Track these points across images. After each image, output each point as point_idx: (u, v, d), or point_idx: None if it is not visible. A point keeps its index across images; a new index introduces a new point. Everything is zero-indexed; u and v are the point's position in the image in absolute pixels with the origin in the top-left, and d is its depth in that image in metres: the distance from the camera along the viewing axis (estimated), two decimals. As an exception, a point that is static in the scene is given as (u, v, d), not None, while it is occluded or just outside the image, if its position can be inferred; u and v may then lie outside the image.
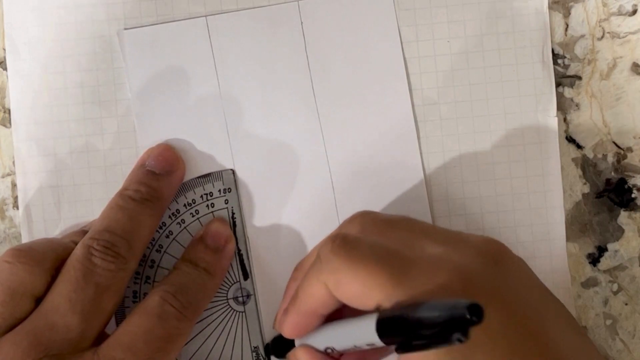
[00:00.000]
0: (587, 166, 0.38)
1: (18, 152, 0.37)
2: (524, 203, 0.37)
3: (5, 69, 0.37)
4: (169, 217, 0.36)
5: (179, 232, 0.36)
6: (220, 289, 0.36)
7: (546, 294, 0.30)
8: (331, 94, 0.37)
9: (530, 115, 0.37)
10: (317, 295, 0.30)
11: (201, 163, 0.37)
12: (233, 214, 0.36)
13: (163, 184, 0.35)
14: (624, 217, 0.38)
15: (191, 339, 0.36)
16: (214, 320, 0.36)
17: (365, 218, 0.32)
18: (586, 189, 0.38)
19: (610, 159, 0.38)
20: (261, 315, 0.36)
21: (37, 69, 0.37)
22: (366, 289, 0.27)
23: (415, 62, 0.37)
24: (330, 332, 0.31)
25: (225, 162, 0.37)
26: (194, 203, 0.36)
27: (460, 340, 0.22)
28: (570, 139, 0.38)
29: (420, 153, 0.37)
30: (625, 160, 0.38)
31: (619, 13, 0.38)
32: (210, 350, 0.36)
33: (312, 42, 0.37)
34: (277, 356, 0.36)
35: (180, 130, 0.37)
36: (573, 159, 0.38)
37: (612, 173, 0.38)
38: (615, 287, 0.38)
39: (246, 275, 0.36)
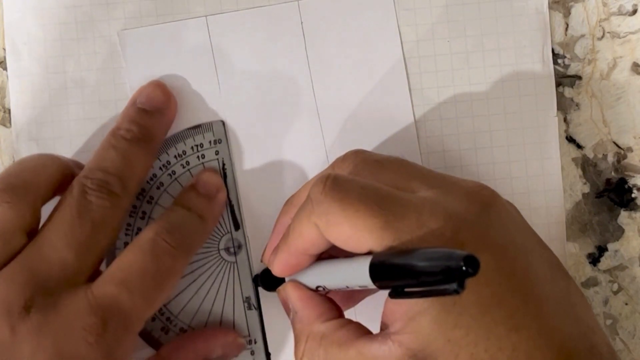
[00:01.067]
0: (587, 166, 0.38)
1: (18, 152, 0.37)
2: (524, 203, 0.37)
3: (5, 69, 0.37)
4: (160, 168, 0.36)
5: (170, 184, 0.36)
6: (211, 239, 0.36)
7: (535, 240, 0.30)
8: (331, 93, 0.37)
9: (530, 115, 0.37)
10: (307, 235, 0.30)
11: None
12: (224, 165, 0.36)
13: (155, 122, 0.35)
14: (624, 217, 0.38)
15: (182, 290, 0.36)
16: (205, 272, 0.36)
17: (357, 157, 0.32)
18: (586, 189, 0.38)
19: (611, 158, 0.38)
20: (252, 265, 0.37)
21: (37, 69, 0.37)
22: (356, 232, 0.28)
23: (415, 62, 0.37)
24: (322, 271, 0.31)
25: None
26: (185, 154, 0.36)
27: (456, 292, 0.23)
28: (571, 139, 0.38)
29: (420, 153, 0.37)
30: (626, 160, 0.38)
31: (619, 13, 0.38)
32: (202, 301, 0.36)
33: (312, 42, 0.37)
34: (265, 288, 0.36)
35: (179, 131, 0.37)
36: (573, 159, 0.38)
37: (612, 173, 0.38)
38: (615, 287, 0.38)
39: (237, 225, 0.36)
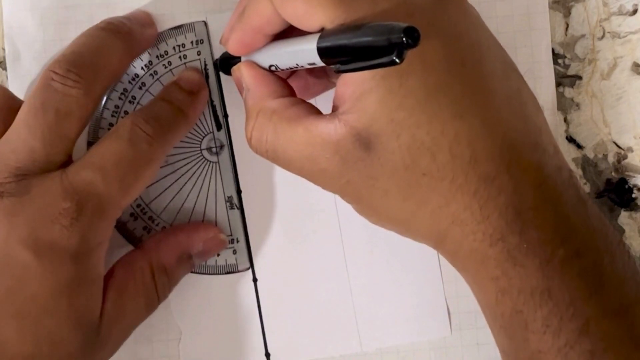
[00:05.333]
0: (587, 166, 0.38)
1: (18, 153, 0.37)
2: (524, 203, 0.37)
3: (5, 69, 0.37)
4: (142, 68, 0.36)
5: (152, 84, 0.36)
6: (193, 139, 0.37)
7: (491, 38, 0.30)
8: (331, 93, 0.37)
9: (530, 115, 0.37)
10: (262, 12, 0.30)
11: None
12: (205, 65, 0.37)
13: (133, 24, 0.35)
14: (624, 217, 0.38)
15: (165, 190, 0.37)
16: (187, 171, 0.37)
17: None
18: (586, 189, 0.38)
19: (611, 159, 0.38)
20: (235, 165, 0.37)
21: (37, 69, 0.37)
22: (309, 8, 0.28)
23: (415, 62, 0.37)
24: (274, 50, 0.31)
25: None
26: (167, 55, 0.36)
27: (394, 62, 0.23)
28: (571, 139, 0.38)
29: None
30: (626, 160, 0.38)
31: (620, 13, 0.38)
32: (184, 201, 0.37)
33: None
34: (224, 72, 0.36)
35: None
36: (573, 159, 0.38)
37: (613, 173, 0.38)
38: (615, 287, 0.38)
39: (219, 125, 0.37)
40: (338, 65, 0.26)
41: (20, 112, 0.31)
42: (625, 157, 0.38)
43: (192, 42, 0.36)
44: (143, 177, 0.32)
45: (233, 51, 0.32)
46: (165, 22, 0.37)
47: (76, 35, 0.33)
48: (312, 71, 0.34)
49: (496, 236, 0.27)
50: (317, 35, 0.28)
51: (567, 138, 0.38)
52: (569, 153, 0.38)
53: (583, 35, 0.38)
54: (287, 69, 0.31)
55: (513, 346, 0.29)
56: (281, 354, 0.37)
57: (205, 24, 0.37)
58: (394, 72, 0.27)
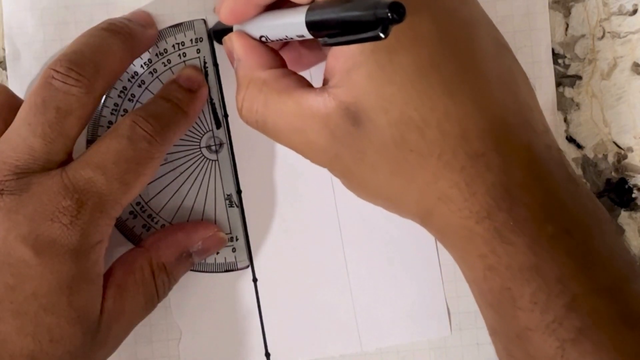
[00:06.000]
0: (587, 166, 0.38)
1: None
2: (524, 203, 0.37)
3: (5, 69, 0.37)
4: (141, 66, 0.36)
5: (151, 82, 0.36)
6: (193, 137, 0.37)
7: (484, 17, 0.30)
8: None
9: (530, 115, 0.37)
10: None
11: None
12: (205, 63, 0.37)
13: (134, 25, 0.35)
14: (624, 217, 0.38)
15: (164, 188, 0.37)
16: (187, 169, 0.37)
17: None
18: (587, 189, 0.38)
19: (611, 159, 0.38)
20: (235, 163, 0.37)
21: (37, 69, 0.37)
22: None
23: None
24: (265, 21, 0.31)
25: (223, 162, 0.37)
26: (166, 53, 0.36)
27: (379, 37, 0.24)
28: (571, 139, 0.38)
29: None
30: (626, 160, 0.38)
31: (620, 13, 0.38)
32: (184, 199, 0.37)
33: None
34: (218, 42, 0.36)
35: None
36: (573, 159, 0.38)
37: (613, 173, 0.38)
38: (615, 287, 0.38)
39: (218, 123, 0.37)
40: (325, 39, 0.26)
41: (20, 110, 0.31)
42: (625, 157, 0.38)
43: (191, 40, 0.36)
44: (143, 175, 0.32)
45: (225, 20, 0.32)
46: (165, 22, 0.37)
47: (76, 35, 0.33)
48: (304, 43, 0.34)
49: (482, 214, 0.27)
50: (306, 8, 0.28)
51: (567, 138, 0.38)
52: (569, 153, 0.38)
53: (583, 35, 0.38)
54: (277, 40, 0.31)
55: (502, 323, 0.29)
56: (281, 354, 0.37)
57: (205, 22, 0.37)
58: (383, 47, 0.27)
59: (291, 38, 0.30)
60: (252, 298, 0.37)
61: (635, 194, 0.38)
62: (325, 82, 0.29)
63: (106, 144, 0.31)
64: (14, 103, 0.32)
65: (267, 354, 0.37)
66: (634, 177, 0.38)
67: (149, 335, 0.37)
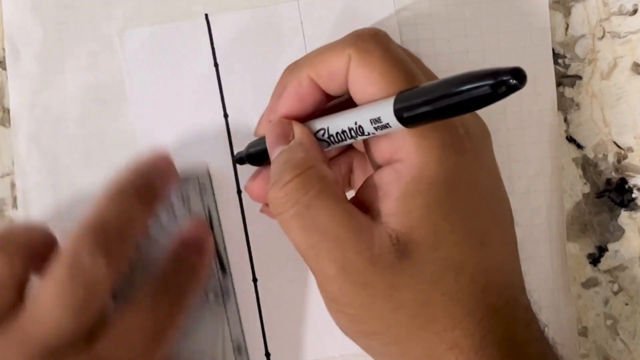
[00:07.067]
0: (587, 166, 0.38)
1: (17, 152, 0.37)
2: (524, 203, 0.37)
3: (5, 68, 0.37)
4: None
5: (158, 234, 0.36)
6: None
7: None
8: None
9: (530, 115, 0.37)
10: (334, 63, 0.29)
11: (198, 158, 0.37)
12: (209, 211, 0.37)
13: (156, 179, 0.34)
14: (624, 217, 0.38)
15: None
16: (194, 316, 0.36)
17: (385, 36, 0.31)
18: (586, 189, 0.38)
19: (611, 158, 0.38)
20: (240, 309, 0.37)
21: (37, 69, 0.37)
22: (386, 84, 0.27)
23: (415, 61, 0.37)
24: (328, 117, 0.29)
25: (223, 158, 0.37)
26: (172, 206, 0.36)
27: (516, 87, 0.22)
28: (571, 139, 0.38)
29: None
30: (626, 160, 0.38)
31: (620, 13, 0.38)
32: (191, 345, 0.37)
33: (312, 42, 0.37)
34: (253, 162, 0.34)
35: (179, 131, 0.37)
36: (573, 159, 0.38)
37: (613, 173, 0.38)
38: (615, 287, 0.38)
39: (224, 270, 0.37)
40: (414, 118, 0.25)
41: (47, 280, 0.30)
42: (625, 157, 0.38)
43: (196, 192, 0.36)
44: (168, 342, 0.32)
45: (282, 111, 0.31)
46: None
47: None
48: (350, 159, 0.34)
49: None
50: (387, 97, 0.27)
51: (567, 138, 0.38)
52: (569, 153, 0.38)
53: (583, 35, 0.38)
54: (336, 132, 0.29)
55: None
56: (281, 354, 0.37)
57: (209, 174, 0.37)
58: (442, 180, 0.27)
59: (357, 137, 0.28)
60: (252, 298, 0.37)
61: (635, 194, 0.38)
62: (371, 204, 0.28)
63: (129, 319, 0.31)
64: (49, 241, 0.32)
65: (267, 354, 0.37)
66: (634, 177, 0.38)
67: (149, 335, 0.37)
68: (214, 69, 0.37)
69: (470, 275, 0.27)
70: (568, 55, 0.38)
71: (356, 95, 0.29)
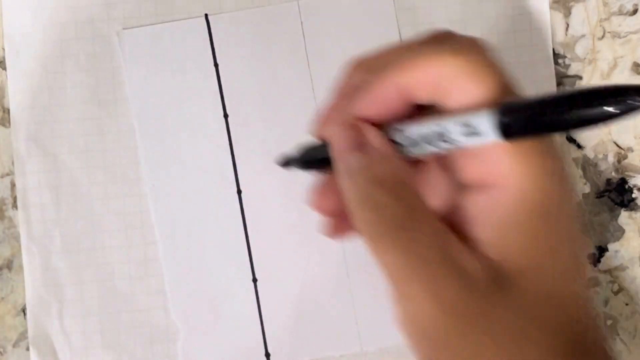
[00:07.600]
0: (587, 166, 0.38)
1: (17, 152, 0.37)
2: (524, 203, 0.37)
3: (5, 68, 0.37)
4: None
5: None
6: None
7: None
8: (331, 93, 0.37)
9: (530, 115, 0.37)
10: (432, 71, 0.25)
11: (200, 166, 0.37)
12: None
13: None
14: (624, 217, 0.38)
15: None
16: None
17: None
18: (587, 189, 0.38)
19: (611, 158, 0.38)
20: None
21: (37, 69, 0.37)
22: (485, 91, 0.24)
23: (415, 62, 0.37)
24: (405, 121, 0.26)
25: (223, 158, 0.37)
26: None
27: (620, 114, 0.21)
28: (571, 139, 0.38)
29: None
30: (626, 160, 0.38)
31: (620, 13, 0.38)
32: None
33: (312, 42, 0.37)
34: (307, 166, 0.31)
35: (179, 131, 0.37)
36: (574, 159, 0.38)
37: (613, 173, 0.38)
38: (615, 287, 0.38)
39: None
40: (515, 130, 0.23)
41: None
42: (625, 157, 0.38)
43: None
44: None
45: (364, 110, 0.26)
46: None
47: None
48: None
49: None
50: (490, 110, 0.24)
51: (567, 138, 0.38)
52: (569, 153, 0.38)
53: (583, 36, 0.38)
54: (413, 135, 0.26)
55: None
56: (281, 354, 0.37)
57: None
58: (545, 211, 0.24)
59: (439, 145, 0.25)
60: (253, 299, 0.37)
61: (635, 194, 0.38)
62: (465, 230, 0.25)
63: None
64: None
65: (267, 354, 0.37)
66: (634, 177, 0.38)
67: (149, 335, 0.37)
68: (214, 69, 0.37)
69: (566, 309, 0.25)
70: (568, 55, 0.38)
71: (451, 106, 0.25)
